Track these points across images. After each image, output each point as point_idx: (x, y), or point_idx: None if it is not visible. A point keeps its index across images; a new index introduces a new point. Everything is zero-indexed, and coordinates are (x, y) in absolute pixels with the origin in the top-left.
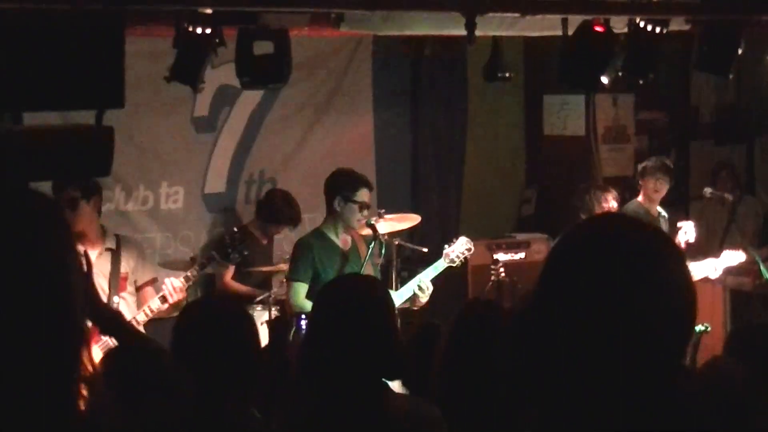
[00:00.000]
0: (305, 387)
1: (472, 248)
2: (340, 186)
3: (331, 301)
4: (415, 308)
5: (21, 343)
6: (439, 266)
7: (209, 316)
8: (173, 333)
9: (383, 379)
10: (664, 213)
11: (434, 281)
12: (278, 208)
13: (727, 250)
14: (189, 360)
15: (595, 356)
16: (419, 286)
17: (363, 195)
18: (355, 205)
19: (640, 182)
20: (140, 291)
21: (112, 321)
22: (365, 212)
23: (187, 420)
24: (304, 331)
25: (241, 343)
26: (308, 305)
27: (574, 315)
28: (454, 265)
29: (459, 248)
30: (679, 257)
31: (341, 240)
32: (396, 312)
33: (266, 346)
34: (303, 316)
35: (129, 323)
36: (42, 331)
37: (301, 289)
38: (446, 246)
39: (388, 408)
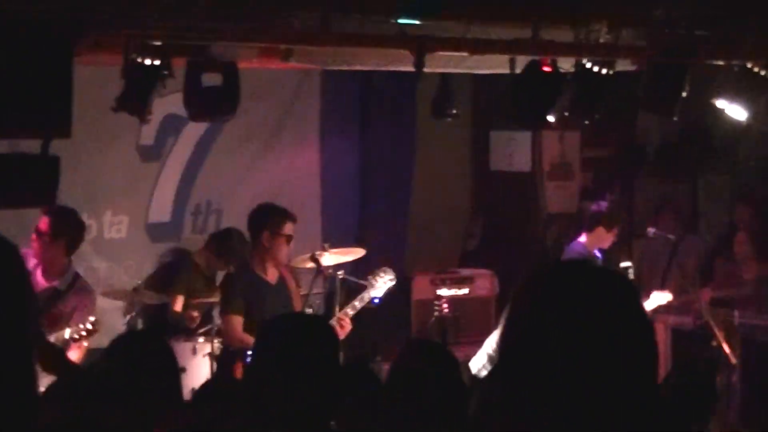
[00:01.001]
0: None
1: (395, 279)
2: (266, 221)
3: (274, 342)
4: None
5: None
6: (366, 297)
7: (128, 351)
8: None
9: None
10: (598, 254)
11: (377, 315)
12: (233, 247)
13: (656, 292)
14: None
15: (568, 393)
16: (338, 319)
17: (289, 228)
18: (282, 239)
19: (599, 230)
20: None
21: (54, 358)
22: (291, 245)
23: None
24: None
25: (162, 377)
26: (247, 337)
27: (545, 359)
28: (381, 296)
29: (382, 279)
30: (636, 295)
31: (269, 275)
32: (338, 349)
33: (215, 375)
34: (249, 352)
35: (70, 360)
36: None
37: (237, 321)
38: (370, 276)
39: None
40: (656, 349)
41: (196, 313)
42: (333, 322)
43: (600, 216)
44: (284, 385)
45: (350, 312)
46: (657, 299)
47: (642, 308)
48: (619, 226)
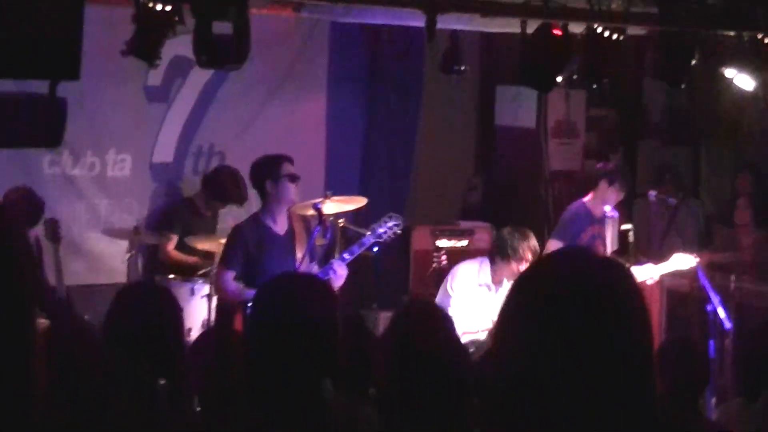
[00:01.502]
0: (247, 375)
1: (401, 224)
2: (264, 169)
3: (271, 303)
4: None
5: None
6: (365, 242)
7: (139, 302)
8: (106, 318)
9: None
10: (611, 213)
11: (376, 264)
12: (225, 185)
13: (679, 253)
14: (122, 345)
15: (570, 389)
16: (333, 269)
17: (287, 167)
18: (285, 179)
19: (602, 185)
20: None
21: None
22: (297, 183)
23: (123, 403)
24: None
25: (167, 331)
26: (232, 288)
27: (541, 352)
28: (381, 240)
29: (387, 225)
30: (634, 285)
31: (278, 225)
32: (337, 307)
33: (212, 329)
34: (249, 305)
35: (69, 309)
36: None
37: (228, 275)
38: (376, 224)
39: (329, 408)
40: (651, 342)
41: (195, 259)
42: (328, 268)
43: (604, 172)
44: (282, 342)
45: (347, 257)
46: (680, 262)
47: (639, 297)
48: (625, 185)
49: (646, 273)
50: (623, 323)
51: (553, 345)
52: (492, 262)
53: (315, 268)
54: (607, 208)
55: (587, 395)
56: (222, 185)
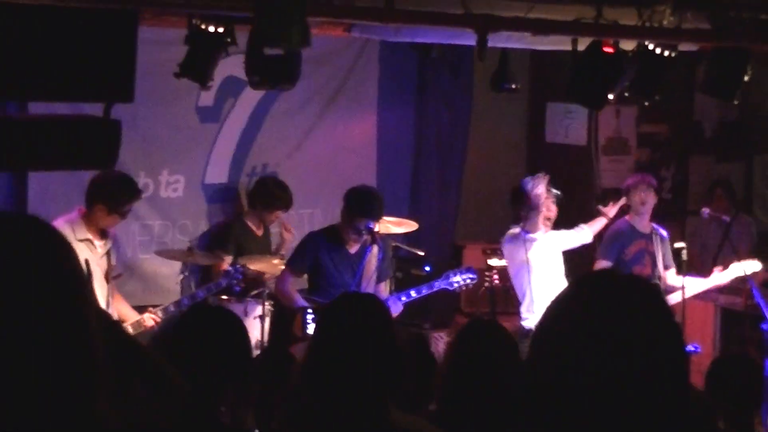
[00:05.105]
0: (309, 395)
1: (476, 280)
2: (349, 210)
3: (335, 323)
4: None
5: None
6: (435, 286)
7: (205, 321)
8: (172, 337)
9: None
10: (662, 232)
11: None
12: (271, 191)
13: (736, 262)
14: (183, 362)
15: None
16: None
17: (362, 223)
18: (352, 232)
19: (626, 200)
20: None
21: (108, 331)
22: (361, 236)
23: (182, 421)
24: (310, 327)
25: (234, 347)
26: (289, 292)
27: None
28: (451, 288)
29: (462, 276)
30: (662, 306)
31: (350, 243)
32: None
33: (269, 342)
34: (309, 310)
35: (125, 332)
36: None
37: (290, 278)
38: (450, 271)
39: (393, 428)
40: (684, 353)
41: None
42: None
43: (626, 187)
44: (346, 365)
45: (413, 294)
46: (741, 269)
47: (668, 313)
48: (650, 187)
49: (706, 284)
50: (653, 334)
51: (587, 355)
52: (526, 219)
53: (371, 289)
54: (656, 227)
55: (616, 398)
56: (267, 191)
